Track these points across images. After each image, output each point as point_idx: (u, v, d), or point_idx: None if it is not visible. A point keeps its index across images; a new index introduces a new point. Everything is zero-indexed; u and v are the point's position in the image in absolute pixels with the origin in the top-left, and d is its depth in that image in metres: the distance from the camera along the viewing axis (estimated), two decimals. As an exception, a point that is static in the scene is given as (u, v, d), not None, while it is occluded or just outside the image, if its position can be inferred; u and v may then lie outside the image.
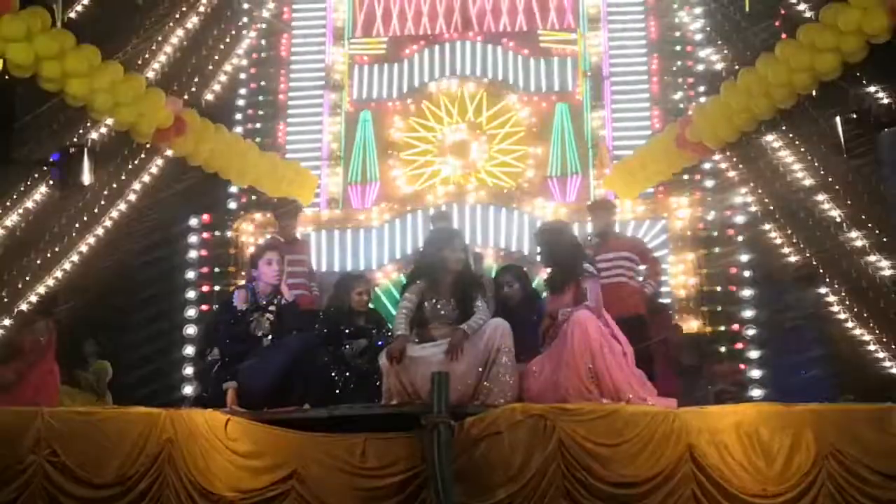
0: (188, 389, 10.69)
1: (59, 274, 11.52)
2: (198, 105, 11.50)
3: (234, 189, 11.66)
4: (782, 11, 11.82)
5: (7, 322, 10.70)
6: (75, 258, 11.65)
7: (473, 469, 6.21)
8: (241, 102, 12.41)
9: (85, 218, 11.67)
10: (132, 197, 12.01)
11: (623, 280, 8.68)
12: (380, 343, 7.76)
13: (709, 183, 11.59)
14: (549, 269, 7.60)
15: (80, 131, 11.46)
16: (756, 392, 10.29)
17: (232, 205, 11.82)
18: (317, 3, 12.84)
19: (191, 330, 11.06)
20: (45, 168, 10.45)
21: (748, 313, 10.82)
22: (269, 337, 7.47)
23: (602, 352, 6.82)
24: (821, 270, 11.55)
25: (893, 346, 11.21)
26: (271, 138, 12.13)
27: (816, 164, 11.79)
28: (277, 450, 6.51)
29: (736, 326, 10.78)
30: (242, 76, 12.58)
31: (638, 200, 11.33)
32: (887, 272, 11.26)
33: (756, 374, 10.51)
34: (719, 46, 12.34)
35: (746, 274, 11.06)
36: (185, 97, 11.45)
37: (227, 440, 6.53)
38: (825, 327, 11.35)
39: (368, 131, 12.17)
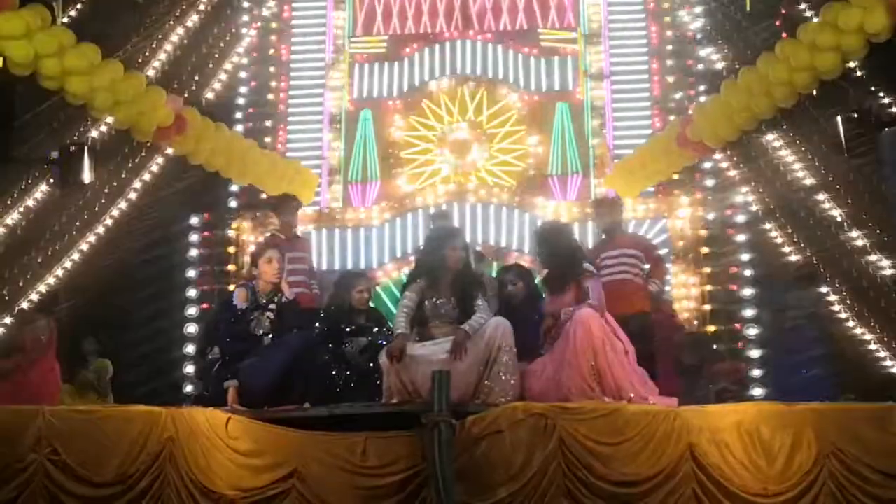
0: (189, 388, 10.70)
1: (59, 272, 11.52)
2: (198, 104, 11.50)
3: (234, 188, 11.65)
4: (783, 11, 11.82)
5: (8, 320, 10.70)
6: (76, 256, 11.65)
7: (474, 468, 6.21)
8: (241, 101, 12.40)
9: (85, 216, 11.67)
10: (132, 195, 12.01)
11: (628, 277, 8.67)
12: (381, 342, 7.75)
13: (709, 182, 11.59)
14: (547, 270, 7.60)
15: (81, 129, 11.47)
16: (757, 391, 10.29)
17: (232, 203, 11.81)
18: (317, 0, 12.82)
19: (191, 328, 11.07)
20: (46, 166, 10.47)
21: (749, 312, 10.83)
22: (270, 335, 7.46)
23: (604, 350, 6.83)
24: (821, 270, 11.55)
25: (894, 346, 11.21)
26: (271, 137, 12.12)
27: (817, 163, 11.79)
28: (278, 448, 6.51)
29: (737, 325, 10.78)
30: (243, 75, 12.57)
31: (638, 199, 11.33)
32: (888, 272, 11.26)
33: (757, 373, 10.52)
34: (720, 45, 12.34)
35: (747, 273, 11.06)
36: (185, 95, 11.45)
37: (228, 439, 6.53)
38: (826, 326, 11.34)
39: (369, 130, 12.15)
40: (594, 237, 10.89)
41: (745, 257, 11.10)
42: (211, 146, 10.18)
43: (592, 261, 7.69)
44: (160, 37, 12.39)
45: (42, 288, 11.22)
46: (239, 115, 12.31)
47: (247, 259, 9.82)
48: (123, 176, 11.93)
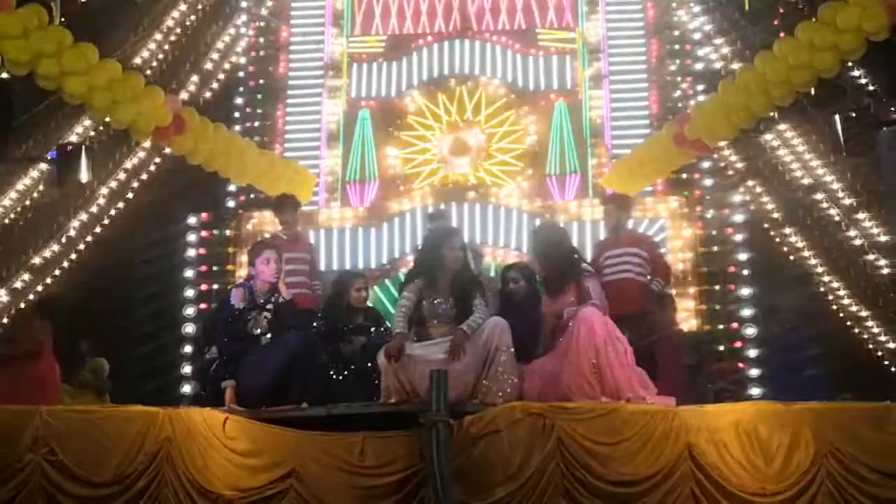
0: (186, 388, 10.69)
1: (57, 272, 11.52)
2: (196, 103, 11.49)
3: (232, 188, 11.64)
4: (781, 10, 11.83)
5: (5, 320, 10.70)
6: (73, 256, 11.65)
7: (472, 468, 6.20)
8: (239, 101, 12.39)
9: (83, 216, 11.67)
10: (131, 195, 12.00)
11: (630, 276, 8.68)
12: (380, 340, 7.75)
13: (708, 181, 11.58)
14: (546, 271, 7.60)
15: (79, 129, 11.46)
16: (755, 391, 10.29)
17: (231, 203, 11.80)
18: (316, 0, 12.81)
19: (189, 328, 11.05)
20: (44, 166, 10.46)
21: (747, 312, 10.82)
22: (267, 335, 7.46)
23: (606, 349, 6.83)
24: (818, 269, 11.57)
25: (892, 346, 11.23)
26: (270, 136, 12.11)
27: (815, 162, 11.80)
28: (276, 448, 6.50)
29: (735, 325, 10.78)
30: (241, 74, 12.57)
31: (636, 199, 11.31)
32: (885, 271, 11.28)
33: (755, 372, 10.51)
34: (718, 45, 12.34)
35: (745, 273, 11.05)
36: (185, 96, 11.45)
37: (226, 439, 6.52)
38: (824, 326, 11.36)
39: (367, 129, 12.15)
40: (592, 237, 10.91)
41: (742, 257, 11.09)
42: (209, 146, 10.17)
43: (587, 261, 7.68)
44: (159, 37, 12.39)
45: (39, 287, 11.22)
46: (237, 114, 12.30)
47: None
48: (122, 176, 11.93)
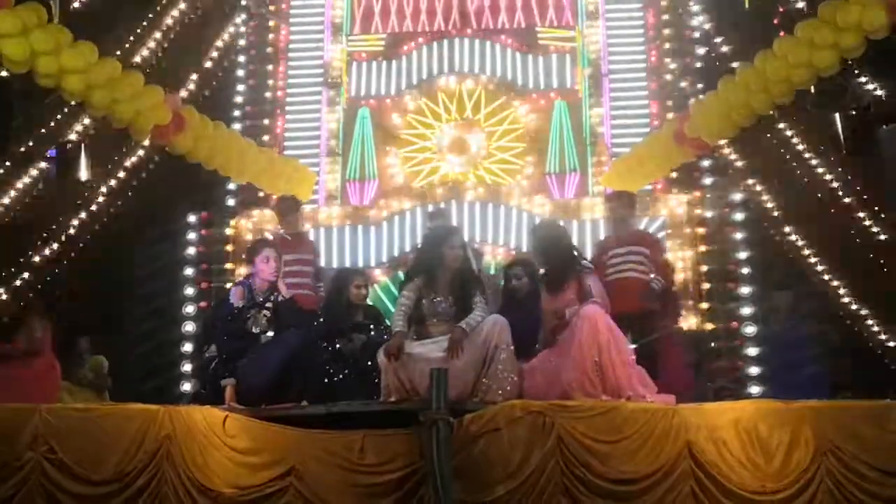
0: (186, 386, 10.68)
1: (57, 270, 11.51)
2: (195, 102, 11.48)
3: (232, 186, 11.63)
4: (780, 8, 11.82)
5: (5, 319, 10.68)
6: (72, 254, 11.64)
7: (472, 466, 6.21)
8: (238, 99, 12.39)
9: (83, 214, 11.65)
10: (130, 193, 11.99)
11: (632, 275, 8.68)
12: (380, 337, 7.75)
13: (707, 180, 11.57)
14: (545, 269, 7.60)
15: (78, 127, 11.45)
16: (755, 389, 10.29)
17: (230, 202, 11.80)
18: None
19: (189, 327, 11.04)
20: (43, 164, 10.46)
21: (747, 310, 10.82)
22: (267, 333, 7.46)
23: (609, 347, 6.84)
24: (818, 268, 11.56)
25: (892, 344, 11.22)
26: (269, 134, 12.11)
27: (815, 160, 11.79)
28: (276, 446, 6.51)
29: (734, 323, 10.78)
30: (240, 73, 12.56)
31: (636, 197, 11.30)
32: (886, 269, 11.27)
33: (754, 370, 10.51)
34: (718, 43, 12.34)
35: (745, 271, 11.05)
36: (184, 95, 11.44)
37: (226, 437, 6.53)
38: (823, 324, 11.35)
39: (367, 128, 12.14)
40: (592, 235, 10.90)
41: (742, 255, 11.08)
42: (209, 144, 10.16)
43: (587, 258, 7.68)
44: (158, 35, 12.38)
45: (38, 285, 11.20)
46: (237, 113, 12.30)
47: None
48: (121, 174, 11.91)
